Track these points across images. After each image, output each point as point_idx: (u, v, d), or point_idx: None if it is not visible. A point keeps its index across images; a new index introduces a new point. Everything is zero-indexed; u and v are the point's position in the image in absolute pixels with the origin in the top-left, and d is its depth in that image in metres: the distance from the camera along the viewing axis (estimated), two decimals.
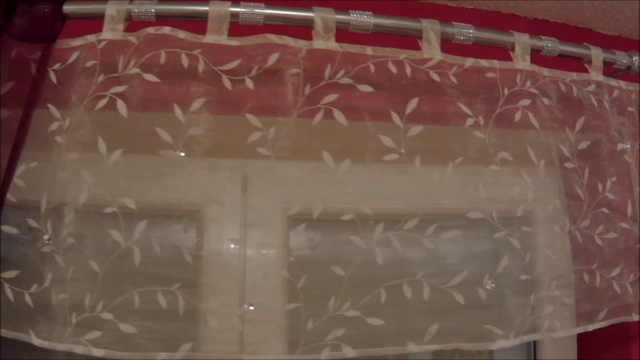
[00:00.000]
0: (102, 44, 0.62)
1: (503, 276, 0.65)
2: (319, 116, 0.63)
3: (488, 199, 0.66)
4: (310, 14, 0.66)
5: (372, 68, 0.66)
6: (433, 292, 0.62)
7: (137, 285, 0.56)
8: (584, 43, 0.80)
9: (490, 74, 0.72)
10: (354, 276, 0.61)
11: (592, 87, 0.79)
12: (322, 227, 0.64)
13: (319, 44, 0.66)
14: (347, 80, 0.65)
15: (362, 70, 0.66)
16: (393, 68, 0.67)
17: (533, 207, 0.70)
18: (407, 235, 0.63)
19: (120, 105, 0.59)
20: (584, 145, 0.75)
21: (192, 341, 0.56)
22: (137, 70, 0.60)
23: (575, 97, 0.77)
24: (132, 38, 0.62)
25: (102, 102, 0.60)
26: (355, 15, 0.67)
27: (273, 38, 0.64)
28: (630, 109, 0.81)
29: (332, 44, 0.66)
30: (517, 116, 0.71)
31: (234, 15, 0.64)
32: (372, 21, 0.68)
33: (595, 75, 0.79)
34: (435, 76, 0.68)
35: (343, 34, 0.69)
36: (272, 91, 0.63)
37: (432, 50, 0.69)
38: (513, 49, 0.74)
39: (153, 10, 0.64)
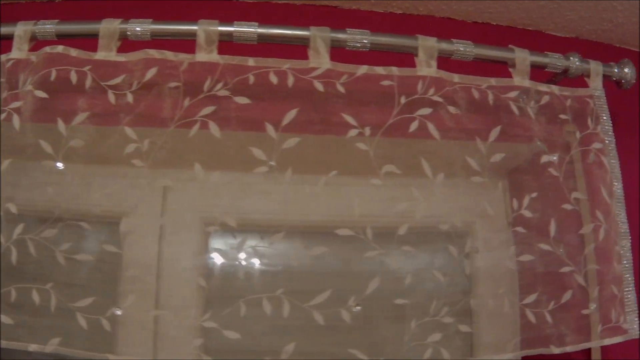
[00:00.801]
0: (10, 63, 0.69)
1: (373, 299, 0.62)
2: (195, 128, 0.65)
3: (362, 215, 0.63)
4: (194, 27, 0.67)
5: (252, 79, 0.66)
6: (293, 310, 0.61)
7: (14, 282, 0.62)
8: (510, 45, 0.72)
9: (386, 82, 0.68)
10: (215, 288, 0.63)
11: (514, 94, 0.71)
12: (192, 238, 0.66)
13: (201, 56, 0.67)
14: (224, 92, 0.65)
15: (241, 81, 0.66)
16: (274, 78, 0.66)
17: (423, 225, 0.66)
18: (271, 249, 0.62)
19: (15, 119, 0.66)
20: (497, 157, 0.69)
21: (61, 336, 0.61)
22: (30, 87, 0.66)
23: (490, 105, 0.70)
24: (33, 57, 0.68)
25: (3, 116, 0.66)
26: (238, 26, 0.67)
27: (153, 53, 0.67)
28: (563, 116, 0.72)
29: (214, 57, 0.67)
30: (413, 126, 0.67)
31: (123, 32, 0.68)
32: (257, 31, 0.67)
33: (520, 80, 0.71)
34: (319, 86, 0.66)
35: (241, 45, 0.69)
36: (150, 105, 0.66)
37: (319, 59, 0.67)
38: (417, 54, 0.69)
39: (53, 30, 0.69)
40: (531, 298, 0.69)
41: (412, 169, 0.66)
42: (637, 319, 0.72)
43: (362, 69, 0.68)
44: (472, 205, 0.68)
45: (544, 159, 0.70)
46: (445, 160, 0.67)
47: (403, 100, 0.67)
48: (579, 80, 0.78)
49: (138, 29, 0.67)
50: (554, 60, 0.72)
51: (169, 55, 0.67)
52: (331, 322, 0.61)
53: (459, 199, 0.67)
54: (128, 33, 0.68)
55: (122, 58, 0.67)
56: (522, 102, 0.70)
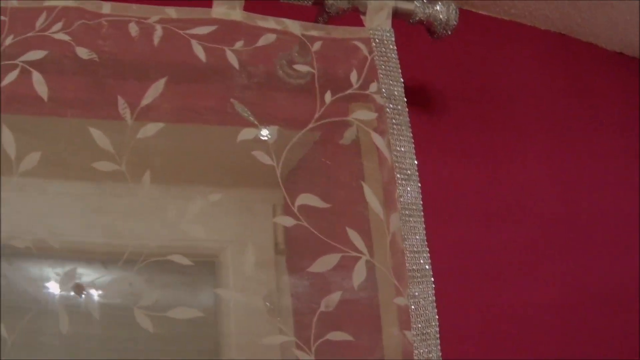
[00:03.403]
0: None
1: None
2: None
3: None
4: None
5: None
6: None
7: None
8: None
9: None
10: None
11: (206, 30, 0.42)
12: None
13: None
14: None
15: None
16: None
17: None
18: None
19: None
20: (151, 130, 0.38)
21: None
22: None
23: (155, 46, 0.41)
24: None
25: None
26: None
27: None
28: (302, 67, 0.41)
29: None
30: (10, 78, 0.40)
31: None
32: None
33: (224, 12, 0.43)
34: None
35: None
36: None
37: None
38: None
39: None
40: None
41: None
42: None
43: None
44: (90, 213, 0.37)
45: (245, 134, 0.39)
46: (48, 137, 0.38)
47: (9, 41, 0.42)
48: None
49: None
50: None
51: None
52: None
53: (65, 202, 0.37)
54: None
55: None
56: (215, 41, 0.41)
